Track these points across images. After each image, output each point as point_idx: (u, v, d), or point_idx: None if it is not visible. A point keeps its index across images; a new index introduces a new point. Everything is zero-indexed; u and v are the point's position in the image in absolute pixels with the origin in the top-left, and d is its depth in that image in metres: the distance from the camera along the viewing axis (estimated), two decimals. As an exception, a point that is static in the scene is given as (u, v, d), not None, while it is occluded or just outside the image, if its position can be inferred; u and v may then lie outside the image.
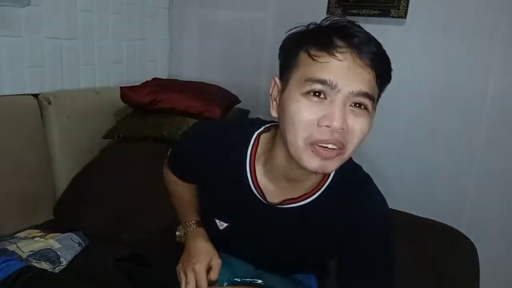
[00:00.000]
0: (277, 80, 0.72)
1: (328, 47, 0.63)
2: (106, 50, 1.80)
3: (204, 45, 2.09)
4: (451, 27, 1.61)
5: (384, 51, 0.67)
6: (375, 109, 0.69)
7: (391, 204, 1.81)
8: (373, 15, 1.70)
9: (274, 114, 0.73)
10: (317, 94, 0.64)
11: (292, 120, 0.65)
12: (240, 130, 0.84)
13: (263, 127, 0.82)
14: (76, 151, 1.58)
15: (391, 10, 1.67)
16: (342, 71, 0.62)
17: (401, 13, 1.65)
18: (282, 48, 0.71)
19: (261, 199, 0.80)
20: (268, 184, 0.79)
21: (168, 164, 1.00)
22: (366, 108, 0.65)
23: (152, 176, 1.46)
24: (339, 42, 0.63)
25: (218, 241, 0.91)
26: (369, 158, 1.84)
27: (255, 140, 0.80)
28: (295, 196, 0.78)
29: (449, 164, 1.72)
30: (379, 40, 0.67)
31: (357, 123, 0.65)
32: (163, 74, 2.13)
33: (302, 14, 1.81)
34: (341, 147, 0.65)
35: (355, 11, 1.73)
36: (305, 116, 0.64)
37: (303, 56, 0.66)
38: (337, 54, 0.62)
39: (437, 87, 1.68)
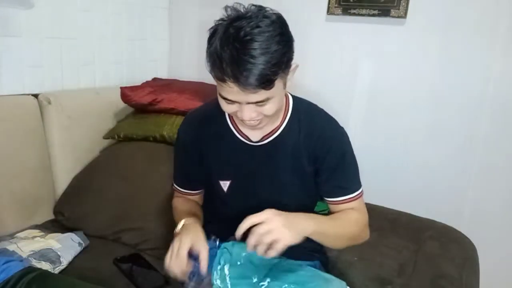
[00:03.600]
0: None
1: (223, 80, 0.80)
2: (106, 50, 1.80)
3: (204, 45, 2.08)
4: (451, 27, 1.61)
5: (266, 70, 0.78)
6: (284, 83, 0.88)
7: (392, 204, 1.82)
8: (373, 15, 1.70)
9: None
10: (229, 100, 0.85)
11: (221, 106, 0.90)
12: (214, 100, 1.02)
13: None
14: (76, 151, 1.58)
15: (391, 10, 1.67)
16: (234, 94, 0.82)
17: (401, 13, 1.66)
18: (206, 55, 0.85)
19: (247, 141, 1.01)
20: (247, 128, 0.99)
21: (174, 181, 1.16)
22: (266, 100, 0.84)
23: (152, 176, 1.46)
24: (230, 78, 0.79)
25: (226, 203, 1.08)
26: (369, 158, 1.84)
27: None
28: (269, 131, 1.00)
29: (449, 164, 1.72)
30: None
31: (264, 109, 0.86)
32: (163, 74, 2.13)
33: (302, 14, 1.82)
34: (261, 119, 0.89)
35: (355, 11, 1.73)
36: (226, 110, 0.90)
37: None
38: (230, 84, 0.80)
39: (437, 87, 1.69)
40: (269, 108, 0.86)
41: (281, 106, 0.94)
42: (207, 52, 0.84)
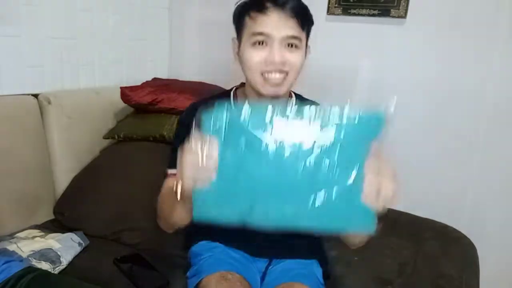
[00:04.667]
0: (236, 39, 0.99)
1: (261, 10, 0.89)
2: (106, 50, 1.80)
3: (204, 45, 2.09)
4: (451, 27, 1.61)
5: (302, 4, 0.92)
6: (307, 46, 0.97)
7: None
8: (373, 15, 1.70)
9: (236, 63, 1.00)
10: (260, 43, 0.91)
11: (248, 64, 0.93)
12: (221, 91, 1.13)
13: (234, 86, 1.10)
14: (76, 151, 1.58)
15: (391, 10, 1.67)
16: (273, 24, 0.89)
17: (401, 13, 1.65)
18: (234, 17, 0.97)
19: None
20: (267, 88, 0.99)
21: (168, 167, 1.07)
22: (297, 46, 0.92)
23: (152, 176, 1.46)
24: (268, 4, 0.89)
25: None
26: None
27: (233, 92, 1.08)
28: None
29: (449, 164, 1.72)
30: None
31: (292, 56, 0.92)
32: (163, 74, 2.13)
33: (302, 14, 1.82)
34: (285, 74, 0.92)
35: (355, 11, 1.73)
36: (255, 59, 0.92)
37: (246, 19, 0.92)
38: (267, 13, 0.88)
39: (437, 87, 1.68)
40: (295, 57, 0.91)
41: (299, 72, 0.97)
42: (235, 12, 0.94)
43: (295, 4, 0.89)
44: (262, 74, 0.92)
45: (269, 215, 0.71)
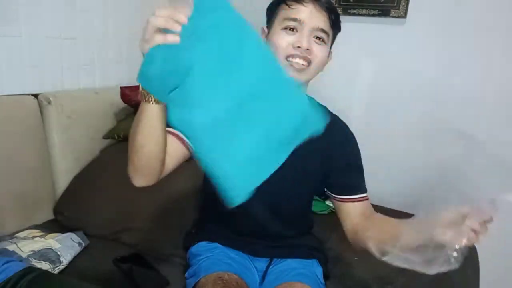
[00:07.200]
0: (265, 28, 1.02)
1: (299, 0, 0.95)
2: (106, 50, 1.80)
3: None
4: (451, 27, 1.61)
5: (334, 6, 0.99)
6: (331, 45, 1.02)
7: (392, 204, 1.82)
8: (373, 15, 1.70)
9: None
10: (291, 29, 0.95)
11: (276, 46, 0.95)
12: None
13: None
14: (76, 151, 1.58)
15: (391, 10, 1.67)
16: (307, 13, 0.94)
17: (401, 13, 1.66)
18: (270, 5, 1.01)
19: None
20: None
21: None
22: (323, 40, 0.97)
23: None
24: None
25: None
26: (369, 158, 1.84)
27: None
28: None
29: (449, 164, 1.72)
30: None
31: (318, 49, 0.96)
32: (163, 74, 2.13)
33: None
34: (308, 63, 0.95)
35: (355, 11, 1.73)
36: (283, 42, 0.95)
37: (282, 6, 0.97)
38: (304, 3, 0.94)
39: (437, 87, 1.69)
40: (320, 51, 0.96)
41: (321, 68, 1.01)
42: (272, 2, 1.00)
43: (330, 4, 0.96)
44: (286, 58, 0.94)
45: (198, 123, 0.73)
